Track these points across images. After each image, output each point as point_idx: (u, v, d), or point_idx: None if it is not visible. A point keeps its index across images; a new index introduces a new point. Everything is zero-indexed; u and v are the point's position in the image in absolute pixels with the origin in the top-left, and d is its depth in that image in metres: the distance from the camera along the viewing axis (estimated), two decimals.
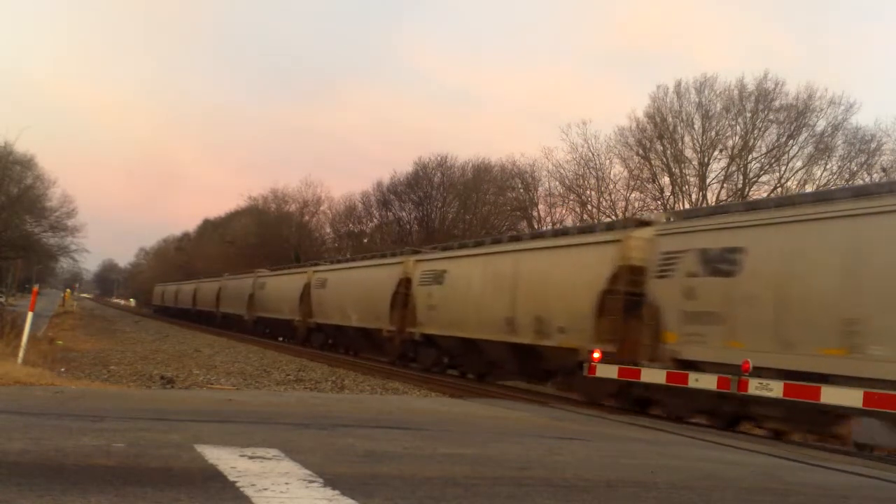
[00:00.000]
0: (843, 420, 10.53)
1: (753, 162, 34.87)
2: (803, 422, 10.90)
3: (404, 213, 52.76)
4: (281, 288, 35.42)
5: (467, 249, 21.43)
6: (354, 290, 26.45)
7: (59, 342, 24.45)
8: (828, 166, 33.70)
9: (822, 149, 33.55)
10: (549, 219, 42.59)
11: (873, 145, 32.75)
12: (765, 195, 32.89)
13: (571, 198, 40.76)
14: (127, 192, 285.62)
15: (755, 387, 10.44)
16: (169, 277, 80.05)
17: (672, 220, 14.78)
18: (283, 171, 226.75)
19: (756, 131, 34.58)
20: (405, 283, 22.59)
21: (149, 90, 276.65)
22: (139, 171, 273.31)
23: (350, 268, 29.02)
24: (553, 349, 15.53)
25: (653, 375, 12.43)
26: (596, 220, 35.28)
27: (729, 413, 11.96)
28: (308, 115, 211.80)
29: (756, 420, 11.80)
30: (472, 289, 19.03)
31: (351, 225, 58.38)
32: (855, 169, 32.78)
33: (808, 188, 32.37)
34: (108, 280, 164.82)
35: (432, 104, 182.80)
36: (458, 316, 19.52)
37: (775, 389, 10.18)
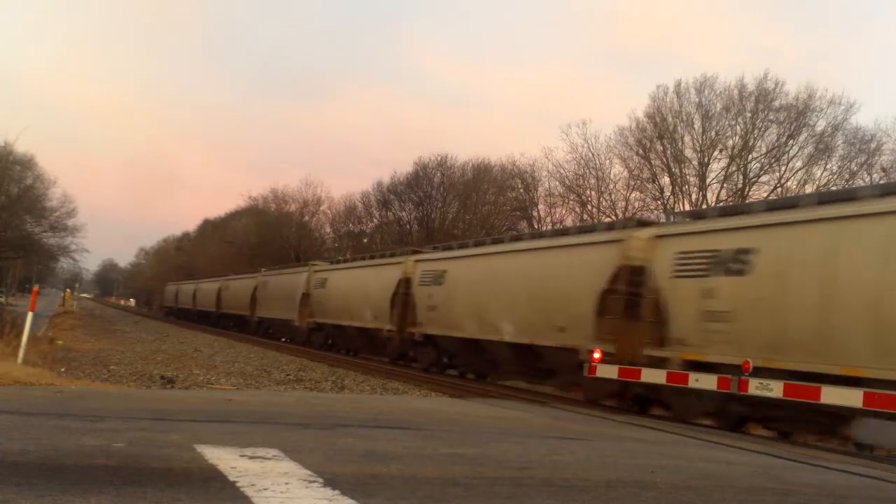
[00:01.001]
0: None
1: (753, 162, 34.90)
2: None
3: (404, 213, 52.79)
4: (355, 286, 26.21)
5: (807, 210, 11.09)
6: (510, 287, 17.11)
7: (60, 342, 24.45)
8: (828, 166, 33.77)
9: (822, 149, 33.57)
10: (548, 219, 42.65)
11: (873, 145, 32.80)
12: (765, 195, 32.94)
13: (571, 198, 40.79)
14: (127, 192, 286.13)
15: (755, 387, 10.42)
16: (169, 277, 79.82)
17: None
18: (283, 171, 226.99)
19: (756, 131, 34.59)
20: (627, 274, 13.58)
21: (149, 90, 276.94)
22: (139, 171, 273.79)
23: (494, 253, 19.05)
24: None
25: (653, 375, 12.41)
26: (596, 221, 35.27)
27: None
28: (308, 115, 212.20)
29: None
30: (839, 281, 10.01)
31: (351, 225, 58.43)
32: (855, 169, 32.82)
33: (809, 188, 32.40)
34: (108, 280, 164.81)
35: (432, 104, 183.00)
36: (795, 327, 10.54)
37: (775, 389, 10.16)
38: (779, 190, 33.25)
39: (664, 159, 36.61)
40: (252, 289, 39.59)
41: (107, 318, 55.89)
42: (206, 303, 51.62)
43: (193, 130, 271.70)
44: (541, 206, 43.84)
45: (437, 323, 20.11)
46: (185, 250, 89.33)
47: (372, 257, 28.42)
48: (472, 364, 20.39)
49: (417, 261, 22.06)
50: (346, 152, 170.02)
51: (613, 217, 35.94)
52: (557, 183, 41.39)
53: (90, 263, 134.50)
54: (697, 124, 35.62)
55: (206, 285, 54.24)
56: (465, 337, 18.87)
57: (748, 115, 34.55)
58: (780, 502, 5.02)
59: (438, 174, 50.77)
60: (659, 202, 36.59)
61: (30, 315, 14.36)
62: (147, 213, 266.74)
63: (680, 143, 36.17)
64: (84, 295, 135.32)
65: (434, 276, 20.39)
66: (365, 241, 53.99)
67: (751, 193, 33.88)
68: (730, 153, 35.06)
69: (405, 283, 21.94)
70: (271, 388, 16.04)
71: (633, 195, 38.28)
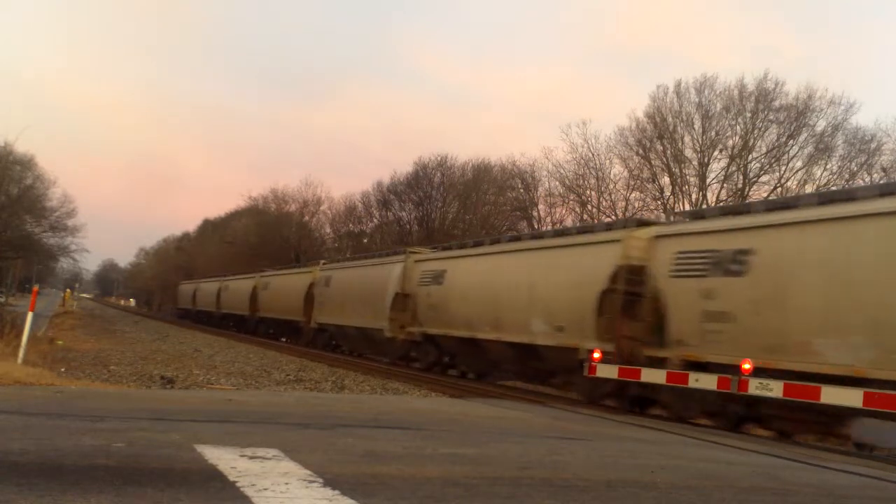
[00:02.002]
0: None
1: (753, 162, 34.91)
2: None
3: (404, 213, 52.78)
4: (503, 281, 17.53)
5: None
6: None
7: (60, 342, 24.45)
8: (828, 166, 33.80)
9: (822, 149, 33.58)
10: (549, 219, 42.65)
11: (873, 145, 32.82)
12: (765, 195, 32.92)
13: (571, 198, 40.81)
14: (127, 193, 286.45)
15: (755, 387, 10.42)
16: (169, 277, 79.65)
17: None
18: (283, 171, 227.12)
19: (756, 131, 34.60)
20: None
21: (149, 90, 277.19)
22: (140, 172, 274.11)
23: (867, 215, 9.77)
24: None
25: (653, 375, 12.41)
26: (596, 220, 35.24)
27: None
28: (309, 115, 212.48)
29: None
30: None
31: (351, 225, 58.42)
32: (855, 169, 32.84)
33: (809, 188, 32.39)
34: (108, 280, 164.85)
35: (432, 104, 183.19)
36: None
37: (775, 389, 10.16)
38: (779, 190, 33.27)
39: (664, 159, 36.63)
40: (305, 287, 31.56)
41: (107, 318, 55.89)
42: (236, 305, 43.06)
43: (193, 130, 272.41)
44: (541, 206, 43.94)
45: (731, 343, 11.20)
46: (185, 250, 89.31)
47: (538, 237, 18.77)
48: (824, 426, 10.88)
49: (658, 236, 13.23)
50: (346, 152, 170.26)
51: (614, 217, 35.92)
52: (557, 183, 41.47)
53: (90, 263, 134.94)
54: (697, 124, 35.67)
55: (236, 283, 44.81)
56: (835, 374, 9.76)
57: (748, 115, 34.57)
58: (780, 502, 5.02)
59: (438, 174, 50.81)
60: (659, 202, 36.64)
61: (30, 315, 14.35)
62: (147, 213, 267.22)
63: (680, 143, 36.20)
64: (84, 295, 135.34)
65: (715, 261, 11.57)
66: (365, 241, 53.99)
67: (751, 193, 33.92)
68: (730, 153, 35.08)
69: (629, 275, 13.39)
70: (271, 388, 16.04)
71: (633, 195, 38.37)
